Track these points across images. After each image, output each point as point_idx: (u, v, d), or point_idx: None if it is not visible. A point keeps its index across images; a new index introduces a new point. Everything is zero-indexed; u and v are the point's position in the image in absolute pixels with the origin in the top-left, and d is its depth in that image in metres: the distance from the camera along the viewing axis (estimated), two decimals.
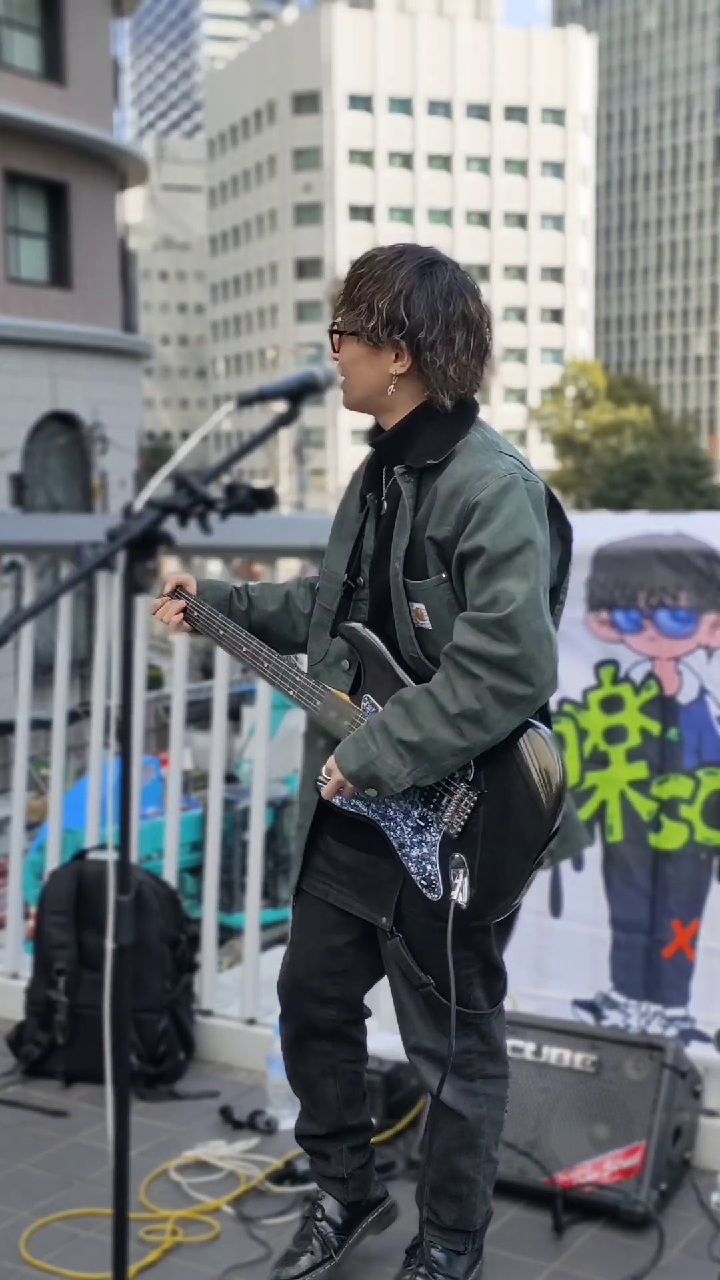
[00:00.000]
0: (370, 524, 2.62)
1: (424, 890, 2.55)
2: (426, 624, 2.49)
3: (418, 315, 2.45)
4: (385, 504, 2.59)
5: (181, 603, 2.72)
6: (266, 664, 2.66)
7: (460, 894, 2.50)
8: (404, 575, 2.50)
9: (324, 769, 2.58)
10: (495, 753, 2.47)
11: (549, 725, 2.56)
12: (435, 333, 2.47)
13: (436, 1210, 2.78)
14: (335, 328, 2.54)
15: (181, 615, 2.71)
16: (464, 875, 2.50)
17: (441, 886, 2.53)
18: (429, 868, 2.54)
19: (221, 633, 2.68)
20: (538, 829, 2.48)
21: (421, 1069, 2.71)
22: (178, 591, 2.73)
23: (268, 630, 2.76)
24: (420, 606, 2.49)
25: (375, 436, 2.64)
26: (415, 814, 2.54)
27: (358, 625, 2.60)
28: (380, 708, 2.55)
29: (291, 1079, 2.94)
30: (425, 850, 2.54)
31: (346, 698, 2.61)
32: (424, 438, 2.51)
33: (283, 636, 2.78)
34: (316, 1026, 2.83)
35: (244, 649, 2.67)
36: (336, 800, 2.60)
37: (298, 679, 2.64)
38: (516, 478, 2.44)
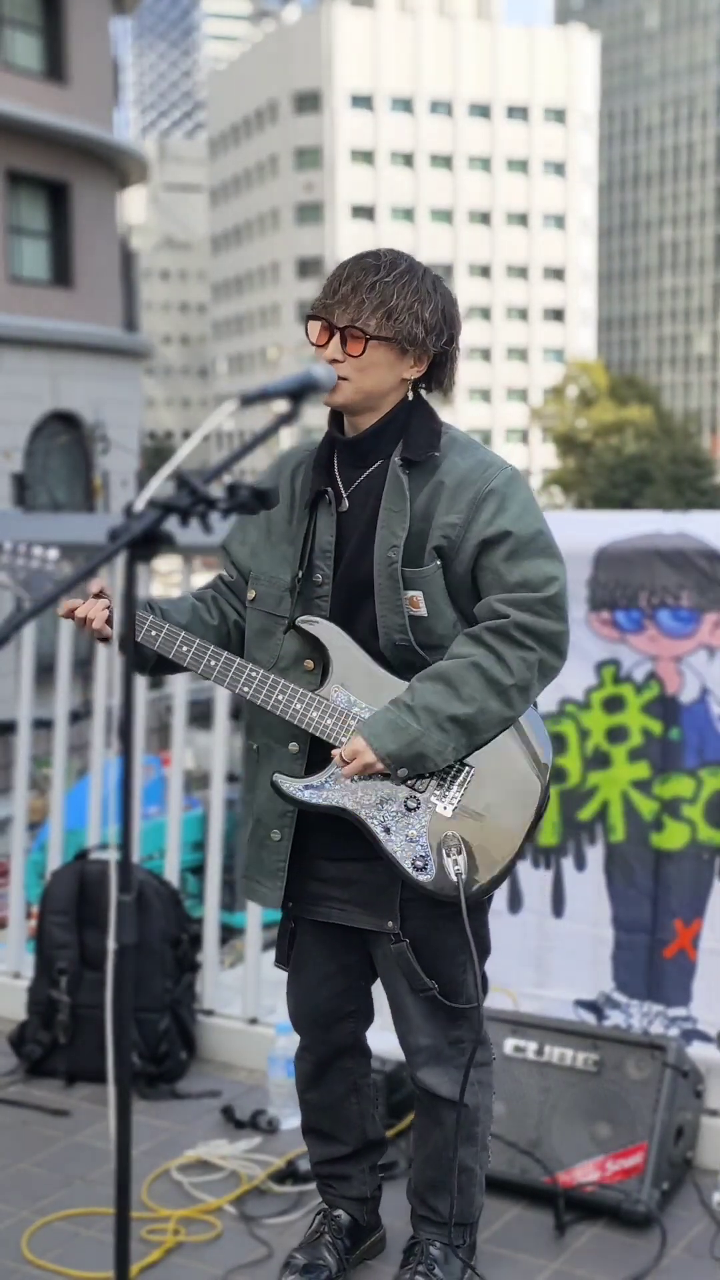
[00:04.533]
0: (325, 519, 2.60)
1: (415, 873, 2.54)
2: (422, 611, 2.53)
3: (453, 328, 2.57)
4: (349, 500, 2.59)
5: (105, 601, 2.59)
6: (214, 661, 2.55)
7: (459, 870, 2.52)
8: (402, 564, 2.52)
9: (343, 752, 2.50)
10: None
11: None
12: (457, 343, 2.60)
13: (435, 1207, 2.79)
14: (369, 333, 2.49)
15: (107, 614, 2.58)
16: (457, 851, 2.52)
17: (434, 867, 2.54)
18: (419, 849, 2.54)
19: (154, 633, 2.55)
20: (532, 795, 2.56)
21: (421, 1069, 2.72)
22: (101, 595, 2.60)
23: None
24: (417, 594, 2.53)
25: (339, 433, 2.63)
26: (401, 796, 2.55)
27: (318, 619, 2.57)
28: (354, 699, 2.55)
29: (313, 1110, 2.92)
30: (414, 832, 2.54)
31: (310, 691, 2.57)
32: (411, 432, 2.58)
33: None
34: (339, 1046, 2.85)
35: (184, 648, 2.55)
36: (304, 795, 2.56)
37: (253, 674, 2.55)
38: (516, 470, 2.58)
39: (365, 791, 2.55)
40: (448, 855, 2.53)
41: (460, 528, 2.51)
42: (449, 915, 2.60)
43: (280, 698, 2.55)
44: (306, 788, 2.58)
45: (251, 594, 2.66)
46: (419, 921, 2.62)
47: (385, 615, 2.54)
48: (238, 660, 2.57)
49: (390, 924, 2.62)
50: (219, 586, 2.74)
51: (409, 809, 2.54)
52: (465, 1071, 2.66)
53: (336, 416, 2.63)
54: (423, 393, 2.62)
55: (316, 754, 2.59)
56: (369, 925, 2.66)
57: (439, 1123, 2.74)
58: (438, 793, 2.54)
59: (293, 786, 2.58)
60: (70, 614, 2.60)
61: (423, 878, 2.54)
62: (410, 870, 2.55)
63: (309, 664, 2.59)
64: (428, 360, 2.56)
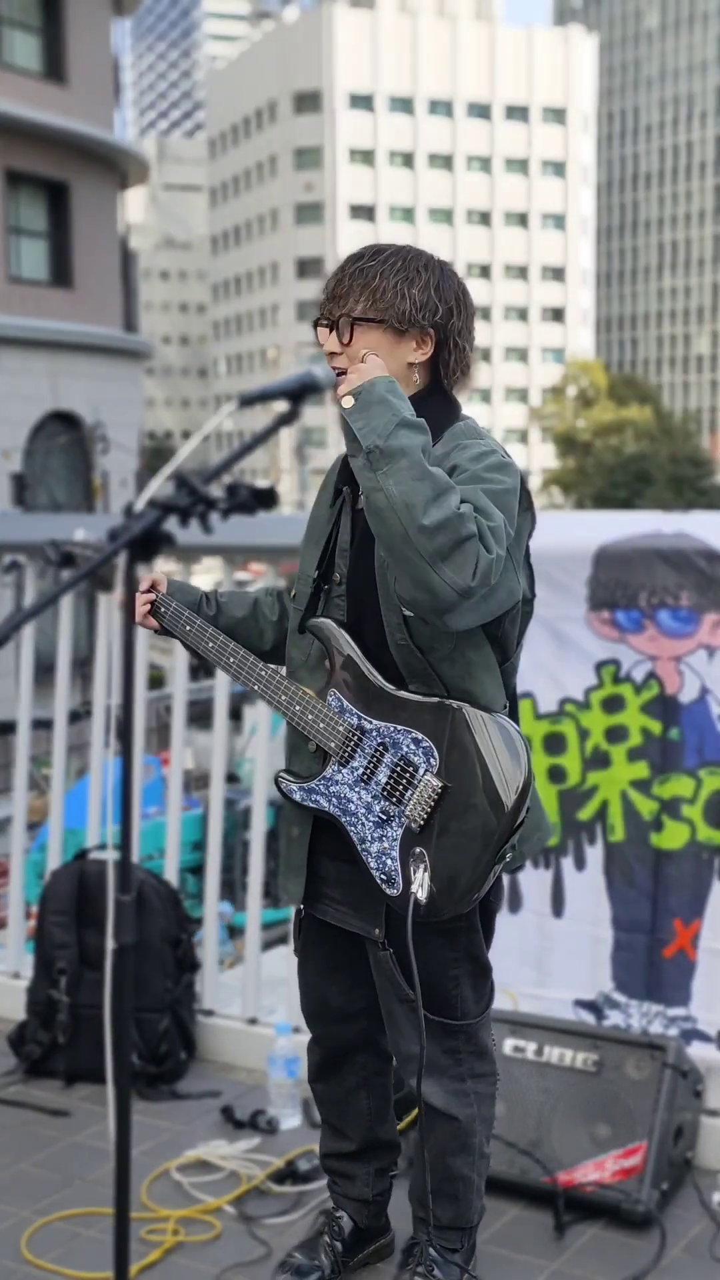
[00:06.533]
0: (345, 518, 2.61)
1: (383, 885, 2.53)
2: None
3: (449, 302, 2.52)
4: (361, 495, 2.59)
5: (150, 595, 2.75)
6: (231, 659, 2.67)
7: (420, 889, 2.48)
8: None
9: (347, 386, 2.38)
10: (458, 742, 2.46)
11: (517, 722, 2.56)
12: (461, 320, 2.54)
13: (433, 1211, 2.78)
14: (355, 315, 2.48)
15: (148, 608, 2.74)
16: (423, 870, 2.48)
17: (400, 882, 2.51)
18: (389, 863, 2.52)
19: (188, 628, 2.70)
20: (499, 823, 2.45)
21: (413, 1078, 2.70)
22: (150, 589, 2.76)
23: (234, 636, 2.74)
24: None
25: None
26: (378, 808, 2.53)
27: (323, 620, 2.59)
28: (346, 704, 2.54)
29: (322, 1103, 2.92)
30: (386, 845, 2.52)
31: (313, 694, 2.59)
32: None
33: (249, 643, 2.75)
34: (349, 1042, 2.85)
35: (209, 644, 2.69)
36: (296, 795, 2.60)
37: (263, 673, 2.64)
38: (498, 452, 2.48)
39: (349, 798, 2.55)
40: (414, 872, 2.49)
41: None
42: (435, 929, 2.57)
43: (282, 698, 2.61)
44: (300, 788, 2.61)
45: (293, 593, 2.72)
46: (403, 933, 2.57)
47: (387, 614, 2.52)
48: (251, 659, 2.66)
49: (376, 931, 2.62)
50: (289, 584, 2.83)
51: (383, 820, 2.52)
52: (414, 1076, 2.63)
53: None
54: (444, 383, 2.56)
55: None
56: (357, 928, 2.66)
57: (433, 1132, 2.73)
58: (411, 807, 2.50)
59: (286, 784, 2.64)
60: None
61: (390, 891, 2.53)
62: (379, 882, 2.54)
63: (327, 665, 2.60)
64: (431, 341, 2.52)
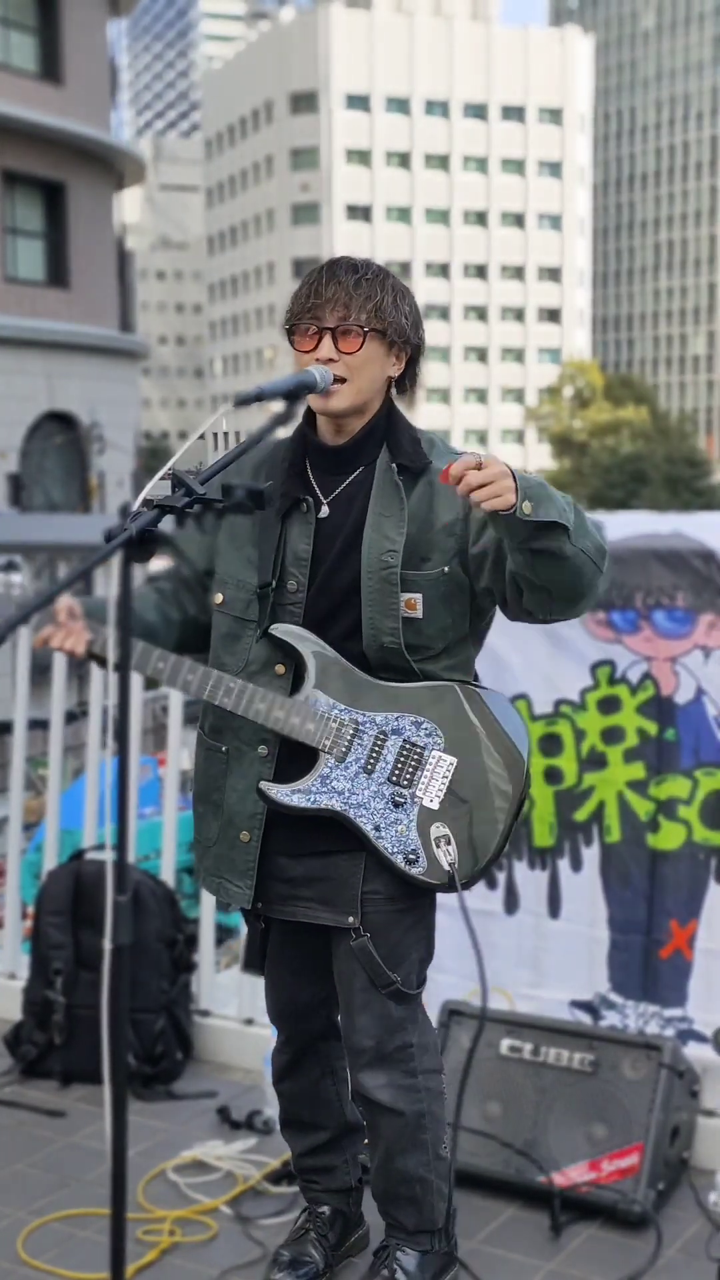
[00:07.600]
0: (302, 527, 2.60)
1: (407, 867, 2.58)
2: (418, 613, 2.56)
3: (422, 323, 2.64)
4: (329, 507, 2.60)
5: (81, 624, 2.56)
6: (190, 675, 2.58)
7: (450, 861, 2.56)
8: (401, 567, 2.54)
9: (484, 462, 2.32)
10: (462, 718, 2.57)
11: None
12: (423, 340, 2.66)
13: (396, 1216, 2.79)
14: (363, 326, 2.52)
15: (88, 636, 2.56)
16: (447, 843, 2.56)
17: (425, 860, 2.57)
18: (410, 843, 2.58)
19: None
20: (517, 785, 2.59)
21: (362, 1071, 2.71)
22: (71, 614, 2.58)
23: (156, 640, 2.66)
24: (415, 596, 2.55)
25: (311, 439, 2.64)
26: (388, 793, 2.57)
27: (291, 626, 2.59)
28: (333, 701, 2.57)
29: (290, 1100, 2.93)
30: (403, 827, 2.58)
31: (288, 698, 2.58)
32: (396, 437, 2.61)
33: (164, 645, 2.66)
34: (314, 1033, 2.87)
35: (160, 664, 2.57)
36: (294, 800, 2.57)
37: (231, 685, 2.57)
38: None
39: (353, 791, 2.57)
40: (438, 847, 2.56)
41: (462, 520, 2.55)
42: (405, 910, 2.64)
43: (260, 706, 2.57)
44: (295, 792, 2.59)
45: (218, 597, 2.67)
46: (378, 917, 2.64)
47: (375, 618, 2.55)
48: (215, 673, 2.59)
49: (351, 919, 2.64)
50: (175, 580, 2.73)
51: (397, 804, 2.57)
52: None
53: (311, 421, 2.64)
54: (393, 396, 2.65)
55: (285, 756, 2.61)
56: (330, 921, 2.67)
57: (379, 1131, 2.75)
58: (422, 787, 2.57)
59: (280, 792, 2.59)
60: (45, 643, 2.57)
61: (415, 870, 2.58)
62: (403, 865, 2.58)
63: (279, 669, 2.60)
64: (405, 357, 2.61)
